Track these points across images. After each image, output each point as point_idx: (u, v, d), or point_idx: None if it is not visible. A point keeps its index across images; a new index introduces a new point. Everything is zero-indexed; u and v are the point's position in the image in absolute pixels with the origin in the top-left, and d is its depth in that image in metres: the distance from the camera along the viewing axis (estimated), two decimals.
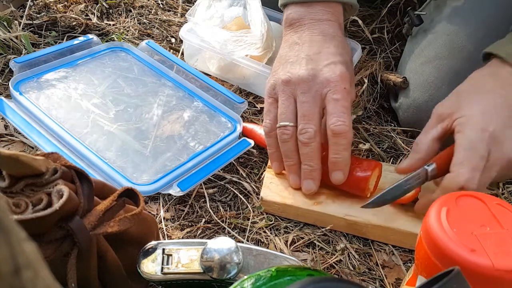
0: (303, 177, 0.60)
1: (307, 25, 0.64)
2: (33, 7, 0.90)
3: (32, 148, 0.65)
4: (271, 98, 0.61)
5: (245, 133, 0.70)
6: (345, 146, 0.57)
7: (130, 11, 0.96)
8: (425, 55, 0.75)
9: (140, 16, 0.95)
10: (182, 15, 0.98)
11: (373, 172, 0.59)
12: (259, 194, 0.62)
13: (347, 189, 0.60)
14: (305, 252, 0.58)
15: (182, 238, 0.57)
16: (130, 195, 0.45)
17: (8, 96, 0.70)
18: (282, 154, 0.61)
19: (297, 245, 0.58)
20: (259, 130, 0.68)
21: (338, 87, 0.57)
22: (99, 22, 0.90)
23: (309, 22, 0.64)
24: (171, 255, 0.46)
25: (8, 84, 0.69)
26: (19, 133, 0.66)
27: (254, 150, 0.70)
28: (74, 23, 0.88)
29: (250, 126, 0.71)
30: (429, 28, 0.77)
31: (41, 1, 0.91)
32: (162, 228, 0.58)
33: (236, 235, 0.58)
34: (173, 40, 0.91)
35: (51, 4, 0.92)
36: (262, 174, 0.66)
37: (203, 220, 0.60)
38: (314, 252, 0.58)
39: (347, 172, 0.58)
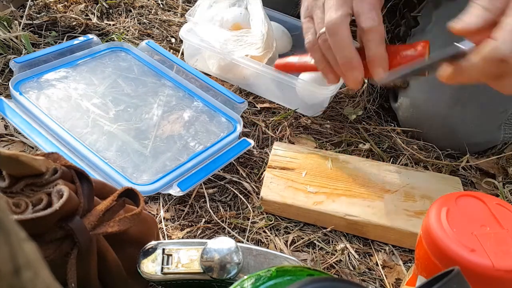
0: (344, 71, 0.59)
1: None
2: (33, 7, 0.90)
3: (32, 148, 0.65)
4: (307, 17, 0.62)
5: (280, 69, 0.73)
6: (378, 41, 0.56)
7: (130, 11, 0.96)
8: None
9: (140, 16, 0.95)
10: (182, 15, 0.98)
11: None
12: (259, 194, 0.62)
13: (406, 61, 0.58)
14: (305, 252, 0.58)
15: (182, 238, 0.57)
16: (130, 195, 0.45)
17: (8, 96, 0.70)
18: (331, 62, 0.60)
19: (297, 245, 0.58)
20: (293, 59, 0.71)
21: None
22: (99, 22, 0.90)
23: None
24: (171, 255, 0.46)
25: (8, 84, 0.69)
26: (19, 133, 0.66)
27: (254, 150, 0.70)
28: (74, 23, 0.88)
29: (282, 61, 0.73)
30: (427, 28, 0.77)
31: (41, 1, 0.91)
32: (162, 228, 0.58)
33: (236, 235, 0.58)
34: (173, 40, 0.91)
35: (51, 4, 0.92)
36: (262, 174, 0.66)
37: (203, 220, 0.60)
38: (314, 252, 0.58)
39: (387, 67, 0.57)
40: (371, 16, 0.56)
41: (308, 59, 0.68)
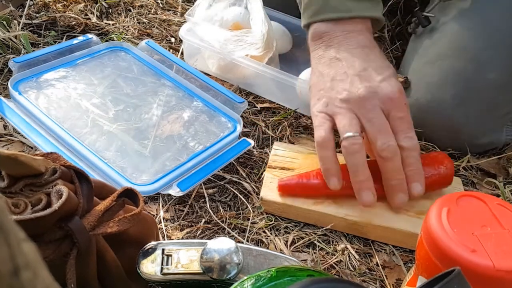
0: (393, 192, 0.57)
1: (339, 37, 0.61)
2: (32, 6, 0.90)
3: (31, 148, 0.65)
4: (323, 113, 0.58)
5: (286, 192, 0.61)
6: (417, 158, 0.56)
7: (130, 10, 0.96)
8: (428, 55, 0.74)
9: (139, 16, 0.95)
10: (182, 14, 0.98)
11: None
12: (259, 194, 0.62)
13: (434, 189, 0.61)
14: (305, 252, 0.58)
15: (182, 238, 0.57)
16: (129, 195, 0.45)
17: (7, 96, 0.70)
18: (348, 169, 0.57)
19: (297, 246, 0.58)
20: (308, 180, 0.60)
21: (400, 103, 0.56)
22: (98, 22, 0.90)
23: (342, 34, 0.61)
24: (170, 255, 0.46)
25: (7, 84, 0.69)
26: (18, 133, 0.66)
27: (254, 150, 0.70)
28: (73, 23, 0.88)
29: (291, 181, 0.60)
30: (433, 28, 0.77)
31: (40, 1, 0.91)
32: (162, 229, 0.58)
33: (236, 235, 0.58)
34: (172, 39, 0.91)
35: (51, 3, 0.92)
36: (262, 174, 0.66)
37: (203, 220, 0.60)
38: (314, 253, 0.58)
39: (424, 182, 0.58)
40: (411, 135, 0.56)
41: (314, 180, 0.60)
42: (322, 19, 0.62)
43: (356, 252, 0.58)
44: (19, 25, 0.83)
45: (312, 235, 0.59)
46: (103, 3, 0.94)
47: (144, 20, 0.94)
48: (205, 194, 0.63)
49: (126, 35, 0.89)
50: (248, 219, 0.60)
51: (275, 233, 0.59)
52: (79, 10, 0.92)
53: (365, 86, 0.57)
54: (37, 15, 0.89)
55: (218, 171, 0.65)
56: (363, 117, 0.56)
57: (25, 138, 0.65)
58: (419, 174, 0.57)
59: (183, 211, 0.61)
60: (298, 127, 0.76)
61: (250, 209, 0.61)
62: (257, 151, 0.70)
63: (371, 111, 0.56)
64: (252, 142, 0.68)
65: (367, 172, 0.56)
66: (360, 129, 0.56)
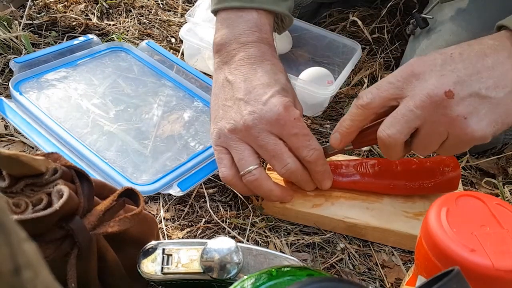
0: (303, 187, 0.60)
1: (234, 51, 0.60)
2: (33, 7, 0.90)
3: (32, 148, 0.65)
4: (219, 146, 0.58)
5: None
6: (323, 162, 0.57)
7: (130, 11, 0.96)
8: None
9: (140, 16, 0.95)
10: (182, 15, 0.98)
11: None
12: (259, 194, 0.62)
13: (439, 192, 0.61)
14: (305, 252, 0.58)
15: (182, 238, 0.57)
16: (130, 195, 0.45)
17: (8, 96, 0.70)
18: (258, 194, 0.60)
19: (297, 245, 0.58)
20: None
21: (289, 121, 0.55)
22: (99, 22, 0.90)
23: (235, 47, 0.60)
24: (171, 255, 0.46)
25: (8, 84, 0.69)
26: (19, 133, 0.66)
27: None
28: (74, 23, 0.88)
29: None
30: (432, 28, 0.77)
31: (41, 1, 0.92)
32: (162, 228, 0.58)
33: (236, 235, 0.58)
34: (173, 40, 0.91)
35: (51, 4, 0.92)
36: None
37: (203, 220, 0.60)
38: (314, 252, 0.58)
39: (331, 176, 0.59)
40: (312, 148, 0.56)
41: None
42: (225, 6, 0.62)
43: (355, 252, 0.58)
44: (20, 25, 0.83)
45: (312, 235, 0.59)
46: (104, 3, 0.95)
47: (145, 20, 0.95)
48: (206, 194, 0.63)
49: (127, 35, 0.89)
50: (248, 219, 0.60)
51: (275, 232, 0.59)
52: (80, 10, 0.92)
53: (249, 112, 0.56)
54: (38, 15, 0.89)
55: (218, 171, 0.65)
56: (254, 145, 0.56)
57: (26, 138, 0.65)
58: (327, 174, 0.59)
59: (183, 210, 0.61)
60: None
61: (250, 209, 0.62)
62: None
63: (259, 138, 0.55)
64: None
65: (280, 193, 0.58)
66: (256, 158, 0.56)
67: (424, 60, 0.50)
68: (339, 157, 0.65)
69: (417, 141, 0.51)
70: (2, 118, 0.68)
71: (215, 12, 0.64)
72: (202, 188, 0.63)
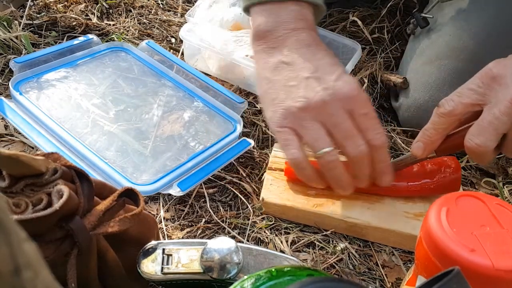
0: (360, 181, 0.57)
1: (281, 37, 0.58)
2: (33, 7, 0.90)
3: (32, 148, 0.65)
4: (285, 127, 0.54)
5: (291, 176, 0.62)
6: (387, 153, 0.56)
7: (130, 11, 0.96)
8: (426, 55, 0.75)
9: (140, 16, 0.95)
10: (182, 15, 0.98)
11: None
12: (259, 194, 0.62)
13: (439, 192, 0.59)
14: (305, 252, 0.58)
15: (182, 238, 0.57)
16: (130, 195, 0.45)
17: (8, 96, 0.70)
18: (329, 180, 0.56)
19: (297, 245, 0.58)
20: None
21: (361, 99, 0.54)
22: (99, 22, 0.90)
23: (284, 33, 0.58)
24: (171, 255, 0.46)
25: (8, 84, 0.69)
26: (19, 133, 0.66)
27: (254, 150, 0.70)
28: (74, 23, 0.88)
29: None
30: (432, 28, 0.77)
31: (41, 1, 0.92)
32: (162, 228, 0.58)
33: (236, 235, 0.58)
34: (173, 40, 0.91)
35: (51, 4, 0.92)
36: (262, 174, 0.66)
37: (203, 220, 0.60)
38: (314, 252, 0.58)
39: (392, 171, 0.57)
40: (379, 131, 0.54)
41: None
42: (260, 1, 0.59)
43: (356, 252, 0.58)
44: (20, 25, 0.83)
45: (312, 235, 0.59)
46: (104, 3, 0.95)
47: (145, 20, 0.95)
48: (206, 194, 0.63)
49: (127, 35, 0.89)
50: (248, 219, 0.60)
51: (275, 232, 0.59)
52: (80, 10, 0.92)
53: (322, 88, 0.54)
54: (38, 15, 0.89)
55: (219, 171, 0.65)
56: (327, 123, 0.53)
57: (26, 138, 0.65)
58: (388, 167, 0.56)
59: (183, 210, 0.61)
60: None
61: (250, 209, 0.62)
62: (257, 151, 0.70)
63: (335, 116, 0.53)
64: (252, 142, 0.69)
65: (349, 180, 0.56)
66: (330, 139, 0.54)
67: (504, 64, 0.50)
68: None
69: (507, 143, 0.51)
70: (2, 118, 0.69)
71: (248, 7, 0.61)
72: (202, 188, 0.63)
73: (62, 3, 0.93)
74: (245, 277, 0.36)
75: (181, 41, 0.85)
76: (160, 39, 0.90)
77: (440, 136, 0.54)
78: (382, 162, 0.55)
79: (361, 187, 0.58)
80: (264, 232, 0.59)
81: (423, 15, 0.78)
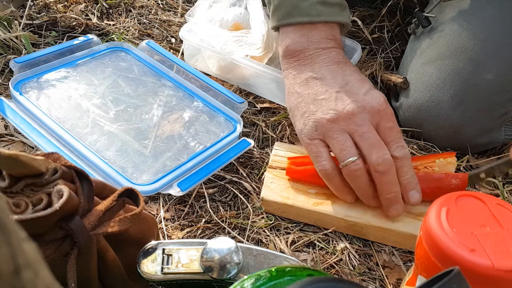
0: (390, 204, 0.56)
1: (313, 55, 0.61)
2: (33, 7, 0.90)
3: (32, 148, 0.65)
4: (315, 139, 0.57)
5: (293, 176, 0.63)
6: (411, 166, 0.56)
7: (130, 11, 0.96)
8: (427, 55, 0.75)
9: (140, 16, 0.95)
10: (182, 15, 0.98)
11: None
12: (259, 194, 0.62)
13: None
14: (305, 252, 0.58)
15: (182, 238, 0.57)
16: (130, 195, 0.45)
17: (8, 96, 0.70)
18: (356, 191, 0.57)
19: (297, 245, 0.58)
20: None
21: (388, 114, 0.57)
22: (99, 22, 0.90)
23: (315, 52, 0.61)
24: (171, 255, 0.46)
25: (8, 84, 0.69)
26: (19, 133, 0.66)
27: (254, 150, 0.70)
28: (74, 23, 0.88)
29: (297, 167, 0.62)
30: (432, 28, 0.77)
31: (41, 1, 0.92)
32: (162, 228, 0.58)
33: (236, 235, 0.58)
34: (173, 40, 0.91)
35: (51, 4, 0.92)
36: (262, 174, 0.66)
37: (203, 220, 0.60)
38: (314, 252, 0.58)
39: (419, 189, 0.57)
40: (402, 145, 0.56)
41: None
42: (291, 22, 0.62)
43: (356, 252, 0.58)
44: (20, 25, 0.83)
45: (312, 235, 0.59)
46: (104, 3, 0.95)
47: (145, 20, 0.95)
48: (206, 194, 0.63)
49: (127, 35, 0.89)
50: (248, 219, 0.60)
51: (275, 232, 0.59)
52: (80, 10, 0.92)
53: (351, 101, 0.56)
54: (38, 15, 0.89)
55: (219, 171, 0.65)
56: (354, 133, 0.56)
57: (26, 138, 0.65)
58: (414, 182, 0.57)
59: (183, 210, 0.61)
60: None
61: (250, 208, 0.62)
62: (257, 151, 0.70)
63: (362, 126, 0.55)
64: (252, 142, 0.69)
65: (373, 190, 0.57)
66: (356, 150, 0.55)
67: None
68: None
69: None
70: (2, 118, 0.69)
71: (277, 28, 0.65)
72: (202, 188, 0.63)
73: (62, 3, 0.93)
74: (245, 277, 0.36)
75: (181, 41, 0.85)
76: (160, 39, 0.90)
77: None
78: (406, 175, 0.56)
79: (392, 211, 0.57)
80: (264, 232, 0.59)
81: (426, 14, 0.78)
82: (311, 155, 0.58)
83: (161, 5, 1.00)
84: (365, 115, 0.56)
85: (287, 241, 0.58)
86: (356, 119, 0.56)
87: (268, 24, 0.76)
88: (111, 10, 0.95)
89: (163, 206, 0.61)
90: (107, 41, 0.84)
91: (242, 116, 0.73)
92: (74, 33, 0.86)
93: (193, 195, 0.62)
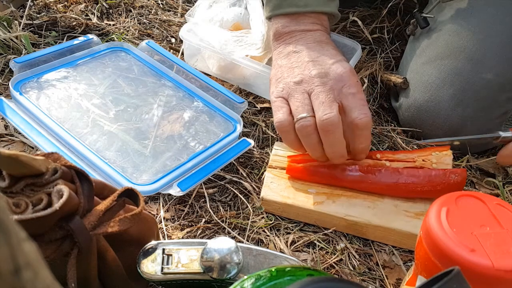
0: (332, 158, 0.60)
1: (298, 35, 0.66)
2: (33, 7, 0.90)
3: (32, 148, 0.65)
4: (280, 97, 0.61)
5: (294, 174, 0.63)
6: (368, 135, 0.59)
7: (130, 11, 0.96)
8: (426, 55, 0.75)
9: (140, 16, 0.95)
10: (182, 15, 0.98)
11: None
12: (259, 194, 0.62)
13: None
14: (305, 252, 0.58)
15: (182, 238, 0.57)
16: (130, 195, 0.45)
17: (8, 96, 0.70)
18: (305, 148, 0.60)
19: (297, 245, 0.58)
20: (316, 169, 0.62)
21: (352, 81, 0.59)
22: (99, 22, 0.90)
23: (300, 33, 0.66)
24: (171, 255, 0.46)
25: (8, 84, 0.69)
26: (19, 133, 0.66)
27: (254, 150, 0.70)
28: (74, 23, 0.88)
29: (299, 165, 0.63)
30: (431, 28, 0.77)
31: (41, 1, 0.92)
32: (162, 228, 0.58)
33: (236, 235, 0.58)
34: (173, 40, 0.91)
35: (51, 4, 0.92)
36: (262, 174, 0.66)
37: (203, 220, 0.60)
38: (314, 252, 0.58)
39: (368, 150, 0.61)
40: (364, 112, 0.57)
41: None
42: (281, 13, 0.67)
43: (356, 251, 0.58)
44: (20, 25, 0.83)
45: (312, 235, 0.59)
46: (104, 3, 0.95)
47: (145, 20, 0.95)
48: (206, 194, 0.63)
49: (127, 35, 0.89)
50: (248, 219, 0.60)
51: (275, 232, 0.59)
52: (80, 10, 0.92)
53: (317, 68, 0.60)
54: (38, 15, 0.89)
55: (219, 171, 0.65)
56: (311, 93, 0.59)
57: (26, 138, 0.65)
58: (368, 148, 0.60)
59: (183, 210, 0.61)
60: None
61: (250, 208, 0.62)
62: (257, 151, 0.70)
63: (319, 87, 0.58)
64: (252, 142, 0.69)
65: (321, 149, 0.59)
66: (311, 108, 0.58)
67: None
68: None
69: None
70: (2, 118, 0.69)
71: (270, 19, 0.70)
72: (202, 188, 0.63)
73: (62, 3, 0.93)
74: (245, 277, 0.36)
75: (181, 41, 0.85)
76: (160, 39, 0.90)
77: None
78: (362, 143, 0.59)
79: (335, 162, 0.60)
80: (264, 231, 0.59)
81: (424, 15, 0.78)
82: (273, 111, 0.61)
83: (161, 5, 1.00)
84: (327, 80, 0.59)
85: (287, 241, 0.58)
86: (316, 81, 0.59)
87: (268, 25, 0.76)
88: (111, 10, 0.95)
89: (163, 206, 0.61)
90: (107, 41, 0.84)
91: (242, 116, 0.73)
92: (74, 33, 0.86)
93: (193, 195, 0.62)
